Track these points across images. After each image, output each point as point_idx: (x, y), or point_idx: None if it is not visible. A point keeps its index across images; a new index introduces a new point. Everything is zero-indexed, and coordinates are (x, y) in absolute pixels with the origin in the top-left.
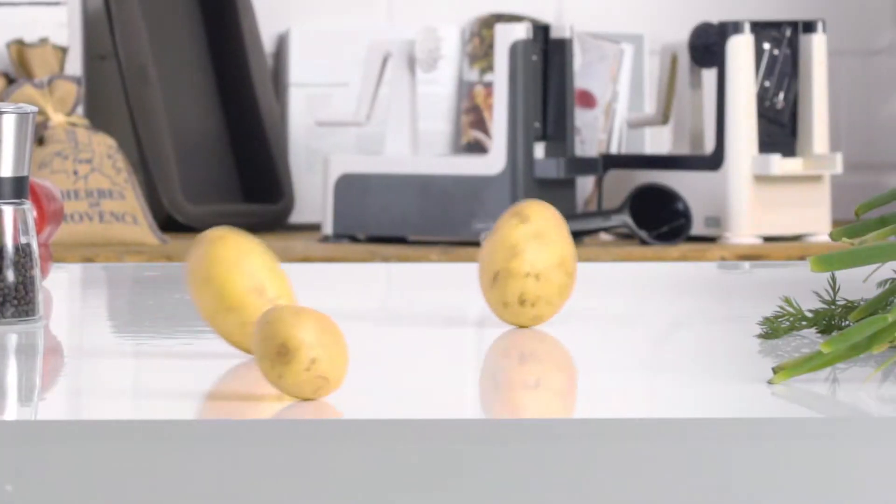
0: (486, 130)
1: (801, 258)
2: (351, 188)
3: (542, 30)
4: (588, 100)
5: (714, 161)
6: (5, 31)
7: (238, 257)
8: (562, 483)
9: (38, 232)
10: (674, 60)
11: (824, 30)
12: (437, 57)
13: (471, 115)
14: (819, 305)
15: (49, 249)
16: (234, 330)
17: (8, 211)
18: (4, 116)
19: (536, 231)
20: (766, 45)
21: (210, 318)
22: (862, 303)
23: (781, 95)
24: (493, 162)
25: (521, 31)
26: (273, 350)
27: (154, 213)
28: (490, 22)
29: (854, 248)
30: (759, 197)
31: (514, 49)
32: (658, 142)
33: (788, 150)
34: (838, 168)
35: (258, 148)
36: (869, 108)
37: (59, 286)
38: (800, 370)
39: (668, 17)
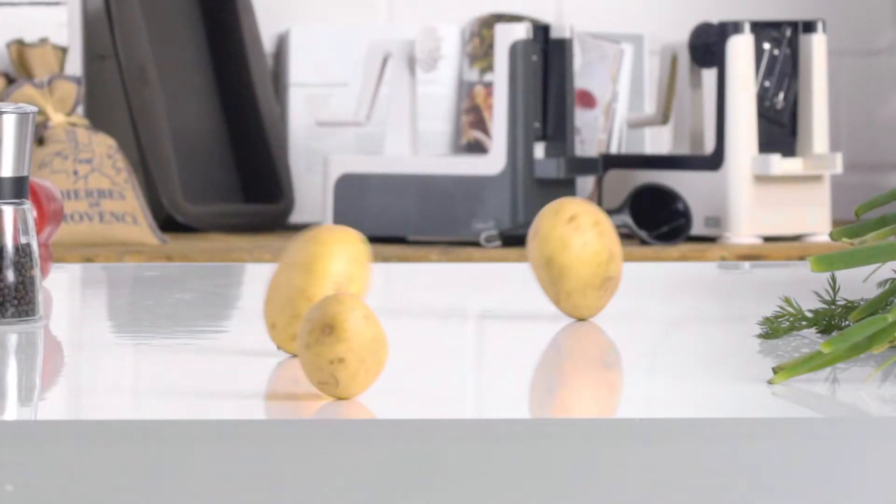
0: (486, 130)
1: (801, 258)
2: (351, 188)
3: (542, 30)
4: (588, 100)
5: (714, 161)
6: (5, 31)
7: (352, 257)
8: (561, 483)
9: (38, 232)
10: (674, 60)
11: (824, 30)
12: (437, 57)
13: (471, 115)
14: (819, 305)
15: (49, 249)
16: (288, 290)
17: (8, 211)
18: (4, 116)
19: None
20: (766, 45)
21: (284, 268)
22: (862, 303)
23: (781, 95)
24: (493, 162)
25: (521, 31)
26: (321, 321)
27: (154, 213)
28: (490, 22)
29: (854, 248)
30: (759, 197)
31: (514, 49)
32: (658, 142)
33: (788, 150)
34: (838, 168)
35: (258, 148)
36: (869, 108)
37: (59, 286)
38: (800, 370)
39: (668, 17)
